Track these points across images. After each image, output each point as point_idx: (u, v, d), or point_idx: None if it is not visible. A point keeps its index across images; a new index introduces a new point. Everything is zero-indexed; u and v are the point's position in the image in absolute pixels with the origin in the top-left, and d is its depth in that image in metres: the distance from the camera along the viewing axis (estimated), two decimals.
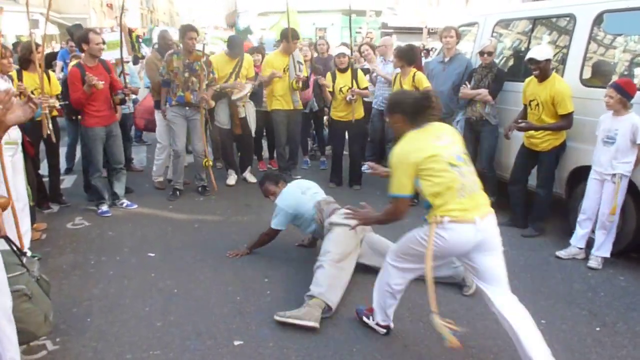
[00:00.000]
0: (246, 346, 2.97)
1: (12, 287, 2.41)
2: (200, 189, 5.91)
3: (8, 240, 2.62)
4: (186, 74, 5.47)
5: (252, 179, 6.40)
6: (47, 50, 10.07)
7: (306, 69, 6.39)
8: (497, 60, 5.37)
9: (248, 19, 23.98)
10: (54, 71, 7.09)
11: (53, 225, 4.89)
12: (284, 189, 4.10)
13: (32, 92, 4.66)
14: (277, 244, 4.25)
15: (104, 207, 5.23)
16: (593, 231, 4.12)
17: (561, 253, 4.24)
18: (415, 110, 2.68)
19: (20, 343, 2.54)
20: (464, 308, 3.39)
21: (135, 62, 8.06)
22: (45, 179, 5.38)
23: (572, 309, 3.42)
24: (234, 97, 5.92)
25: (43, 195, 5.21)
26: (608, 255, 4.02)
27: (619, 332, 3.15)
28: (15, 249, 2.68)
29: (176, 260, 4.15)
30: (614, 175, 3.87)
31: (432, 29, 21.66)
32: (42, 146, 5.09)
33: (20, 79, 4.72)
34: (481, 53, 5.10)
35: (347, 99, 5.89)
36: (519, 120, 4.60)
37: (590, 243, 4.15)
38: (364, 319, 3.15)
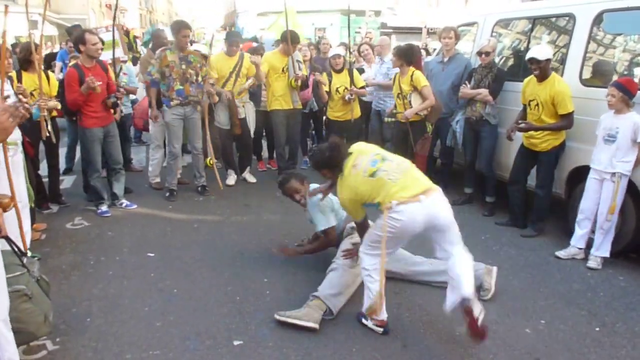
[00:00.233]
0: (246, 346, 2.97)
1: (12, 287, 2.42)
2: (200, 188, 5.91)
3: (8, 240, 2.62)
4: (183, 66, 5.45)
5: (251, 179, 6.41)
6: (47, 51, 10.08)
7: (305, 69, 6.39)
8: (496, 60, 5.37)
9: (247, 19, 24.01)
10: (53, 72, 7.08)
11: (52, 225, 4.89)
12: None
13: (31, 93, 4.67)
14: (276, 244, 4.25)
15: (104, 207, 5.23)
16: (593, 231, 4.12)
17: (560, 253, 4.24)
18: (333, 162, 3.21)
19: (20, 343, 2.54)
20: None
21: (134, 63, 8.05)
22: (45, 180, 5.38)
23: (572, 309, 3.42)
24: (240, 88, 5.87)
25: (42, 195, 5.21)
26: (607, 255, 4.02)
27: (618, 332, 3.15)
28: (15, 249, 2.68)
29: (176, 260, 4.15)
30: (613, 174, 3.87)
31: (431, 29, 21.64)
32: (41, 146, 5.09)
33: (19, 80, 4.71)
34: (479, 53, 5.10)
35: (346, 97, 5.90)
36: (519, 121, 4.60)
37: (590, 243, 4.15)
38: (362, 320, 3.16)
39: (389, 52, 6.68)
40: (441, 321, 3.22)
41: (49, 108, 4.44)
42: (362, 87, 6.11)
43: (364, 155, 3.15)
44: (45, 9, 4.69)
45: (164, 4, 67.05)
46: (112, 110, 5.23)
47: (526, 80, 4.58)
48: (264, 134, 7.19)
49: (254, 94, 6.40)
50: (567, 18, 4.73)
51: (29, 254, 3.12)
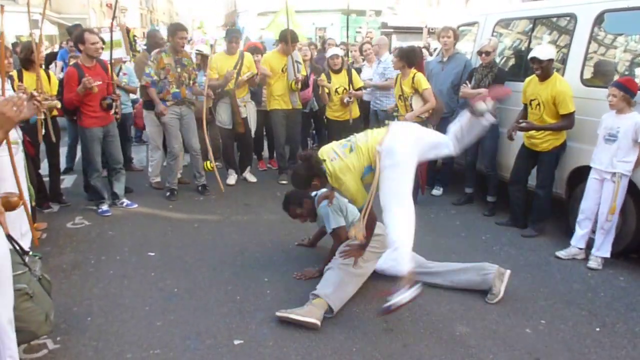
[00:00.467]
0: (246, 345, 2.97)
1: (13, 286, 2.41)
2: (200, 188, 5.91)
3: (10, 239, 2.62)
4: (178, 69, 5.48)
5: (252, 178, 6.41)
6: (47, 51, 10.08)
7: (305, 69, 6.39)
8: (497, 60, 5.37)
9: (248, 18, 24.00)
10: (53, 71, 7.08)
11: (53, 224, 4.89)
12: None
13: (32, 93, 4.67)
14: (277, 243, 4.25)
15: (104, 207, 5.23)
16: (593, 231, 4.12)
17: (561, 253, 4.24)
18: (313, 172, 3.26)
19: (21, 342, 2.54)
20: (464, 308, 3.39)
21: None
22: (46, 179, 5.39)
23: (572, 309, 3.42)
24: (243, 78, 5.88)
25: (43, 194, 5.21)
26: (608, 255, 4.02)
27: (618, 333, 3.15)
28: (17, 247, 2.68)
29: (176, 260, 4.15)
30: (613, 174, 3.87)
31: (432, 29, 21.61)
32: (42, 146, 5.09)
33: (20, 79, 4.72)
34: (480, 52, 5.10)
35: (345, 101, 5.92)
36: (520, 120, 4.60)
37: (590, 243, 4.15)
38: (390, 300, 2.95)
39: (385, 52, 6.69)
40: (441, 321, 3.23)
41: (48, 107, 4.44)
42: (360, 88, 6.13)
43: (332, 148, 3.31)
44: (44, 8, 4.69)
45: (165, 3, 67.04)
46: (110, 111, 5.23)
47: (527, 79, 4.58)
48: (265, 133, 7.20)
49: (255, 94, 6.40)
50: (568, 18, 4.73)
51: (30, 252, 3.12)
